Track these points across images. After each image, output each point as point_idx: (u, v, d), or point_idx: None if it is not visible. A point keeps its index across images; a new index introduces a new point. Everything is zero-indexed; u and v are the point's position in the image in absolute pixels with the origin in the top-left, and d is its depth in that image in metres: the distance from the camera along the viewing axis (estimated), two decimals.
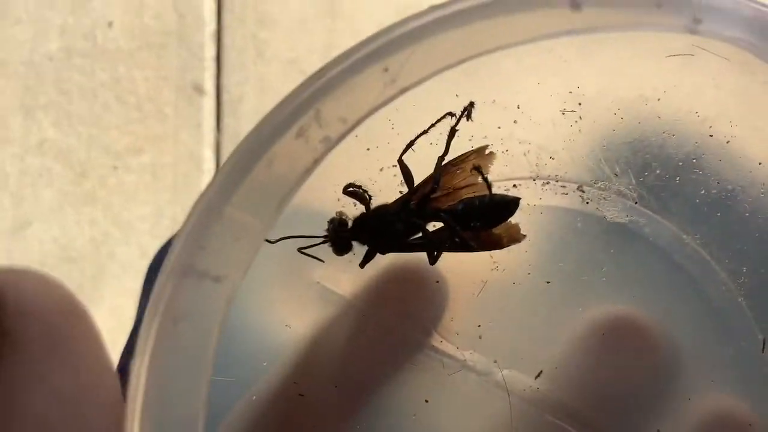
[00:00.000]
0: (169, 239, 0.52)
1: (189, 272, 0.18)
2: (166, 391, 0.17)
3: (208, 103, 1.03)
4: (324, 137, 0.19)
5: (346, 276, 0.27)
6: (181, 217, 0.97)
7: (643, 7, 0.20)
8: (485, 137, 0.27)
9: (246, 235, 0.19)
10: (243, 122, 1.03)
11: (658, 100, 0.25)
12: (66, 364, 0.15)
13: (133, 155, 0.99)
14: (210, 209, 0.18)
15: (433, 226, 0.26)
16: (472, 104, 0.24)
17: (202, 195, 0.18)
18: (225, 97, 1.03)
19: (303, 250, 0.25)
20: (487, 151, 0.27)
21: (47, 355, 0.14)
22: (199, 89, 1.01)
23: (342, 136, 0.20)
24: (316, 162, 0.19)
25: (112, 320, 0.74)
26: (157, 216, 1.00)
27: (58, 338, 0.15)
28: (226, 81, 1.03)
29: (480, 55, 0.21)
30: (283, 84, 1.00)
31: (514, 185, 0.27)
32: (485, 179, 0.24)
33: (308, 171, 0.20)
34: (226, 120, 1.02)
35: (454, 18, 0.21)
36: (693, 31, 0.20)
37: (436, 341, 0.26)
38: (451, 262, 0.26)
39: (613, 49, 0.24)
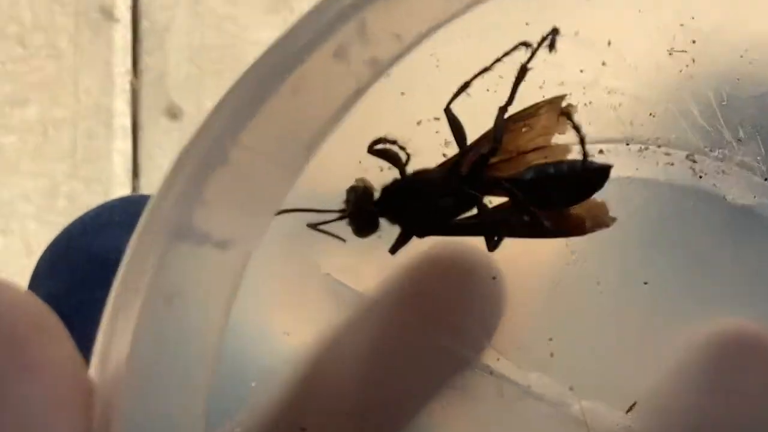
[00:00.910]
0: (65, 229, 0.51)
1: (184, 234, 0.17)
2: (149, 405, 0.16)
3: (121, 32, 0.98)
4: (371, 58, 0.19)
5: (369, 267, 0.27)
6: (84, 197, 0.93)
7: None
8: (562, 84, 0.27)
9: (262, 187, 0.18)
10: (169, 61, 0.97)
11: None
12: (34, 381, 0.15)
13: (15, 108, 0.95)
14: (213, 148, 0.17)
15: (489, 201, 0.26)
16: (556, 31, 0.23)
17: (201, 128, 0.18)
18: (145, 24, 0.97)
19: (315, 226, 0.24)
20: (564, 103, 0.27)
21: (11, 371, 0.14)
22: (107, 13, 0.96)
23: (395, 59, 0.19)
24: (359, 92, 0.19)
25: None
26: (48, 194, 0.94)
27: (25, 353, 0.15)
28: (146, 0, 0.98)
29: None
30: (233, 4, 0.94)
31: (600, 151, 0.27)
32: (579, 133, 0.23)
33: (348, 104, 0.19)
34: (147, 58, 0.97)
35: None
36: None
37: (491, 359, 0.26)
38: (512, 251, 0.26)
39: None
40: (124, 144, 0.91)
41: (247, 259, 0.18)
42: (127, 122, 0.93)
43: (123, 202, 0.54)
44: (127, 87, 0.93)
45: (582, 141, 0.24)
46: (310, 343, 0.26)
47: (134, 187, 0.93)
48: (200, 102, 0.93)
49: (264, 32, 0.93)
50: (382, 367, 0.26)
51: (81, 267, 0.46)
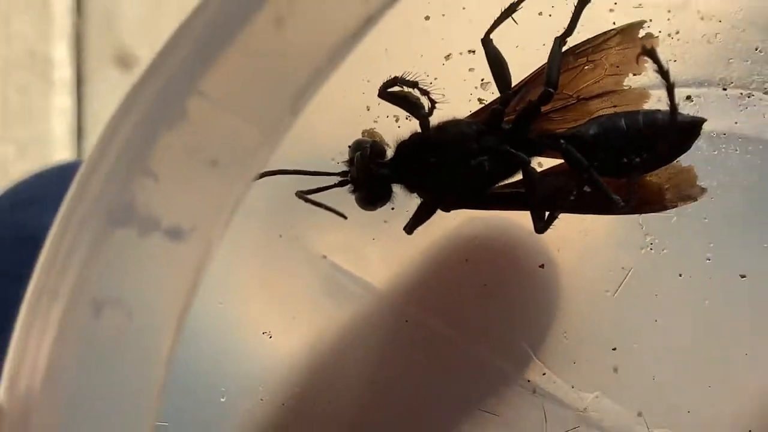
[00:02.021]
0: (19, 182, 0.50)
1: (123, 219, 0.15)
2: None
3: None
4: None
5: (376, 249, 0.26)
6: (17, 163, 0.93)
7: None
8: (639, 6, 0.26)
9: (233, 154, 0.17)
10: None
11: None
12: None
13: None
14: (165, 99, 0.15)
15: (539, 165, 0.24)
16: None
17: (148, 72, 0.16)
18: None
19: (306, 196, 0.22)
20: (641, 33, 0.25)
21: None
22: None
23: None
24: (370, 21, 0.17)
25: None
26: None
27: None
28: None
29: None
30: None
31: (689, 96, 0.26)
32: (663, 73, 0.21)
33: (352, 39, 0.17)
34: None
35: None
36: None
37: (535, 374, 0.24)
38: (567, 231, 0.24)
39: None
40: (65, 100, 0.90)
41: (210, 251, 0.16)
42: (69, 73, 0.91)
43: (61, 169, 0.53)
44: (70, 31, 0.91)
45: (669, 85, 0.22)
46: (298, 349, 0.25)
47: (78, 152, 0.92)
48: (156, 47, 0.93)
49: None
50: (392, 379, 0.24)
51: (10, 248, 0.46)
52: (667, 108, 0.23)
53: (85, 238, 0.16)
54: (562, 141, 0.23)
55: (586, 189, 0.23)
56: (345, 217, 0.22)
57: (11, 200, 0.48)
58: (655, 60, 0.21)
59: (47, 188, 0.48)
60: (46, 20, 0.93)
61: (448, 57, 0.25)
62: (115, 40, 0.89)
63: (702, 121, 0.23)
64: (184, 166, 0.16)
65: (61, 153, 0.87)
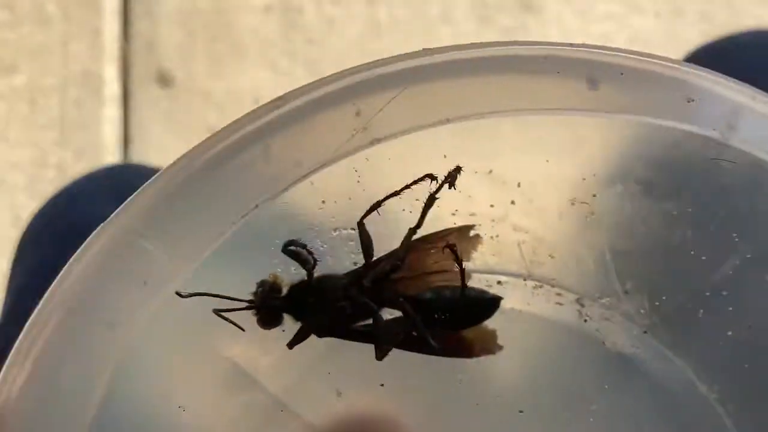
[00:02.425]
0: (51, 198, 0.55)
1: (78, 311, 0.23)
2: None
3: None
4: (271, 177, 0.26)
5: (269, 358, 0.33)
6: (74, 167, 0.96)
7: (671, 98, 0.27)
8: (473, 215, 0.34)
9: (157, 278, 0.25)
10: (160, 27, 1.03)
11: (689, 210, 0.31)
12: None
13: (2, 75, 1.00)
14: (119, 237, 0.24)
15: (389, 314, 0.32)
16: (458, 169, 0.30)
17: (113, 218, 0.24)
18: None
19: (220, 313, 0.30)
20: (471, 233, 0.33)
21: None
22: None
23: (293, 183, 0.26)
24: (257, 206, 0.26)
25: None
26: (36, 163, 1.00)
27: None
28: None
29: (473, 117, 0.28)
30: None
31: (499, 282, 0.33)
32: (459, 264, 0.30)
33: (246, 214, 0.26)
34: (137, 23, 1.03)
35: (449, 67, 0.27)
36: (727, 138, 0.27)
37: None
38: (406, 362, 0.32)
39: (642, 136, 0.31)
40: (113, 112, 0.97)
41: (132, 341, 0.25)
42: (117, 90, 0.98)
43: (108, 171, 0.58)
44: (117, 53, 0.98)
45: (462, 272, 0.30)
46: (205, 423, 0.32)
47: (125, 156, 0.98)
48: (192, 68, 0.97)
49: None
50: None
51: (65, 236, 0.51)
52: (476, 287, 0.32)
53: (53, 320, 0.24)
54: (401, 299, 0.31)
55: (415, 335, 0.31)
56: (243, 330, 0.31)
57: (65, 197, 0.53)
58: (454, 253, 0.30)
59: (95, 187, 0.53)
60: (98, 45, 1.00)
61: (336, 230, 0.32)
62: (156, 61, 0.96)
63: (500, 298, 0.32)
64: (125, 281, 0.25)
65: (110, 158, 0.91)
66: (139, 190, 0.24)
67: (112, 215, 0.23)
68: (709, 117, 0.26)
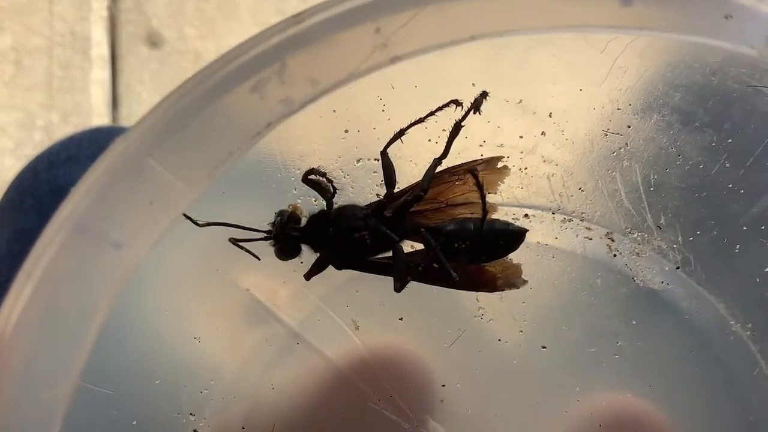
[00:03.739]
0: (32, 162, 0.52)
1: (84, 229, 0.22)
2: (32, 361, 0.21)
3: None
4: (285, 98, 0.24)
5: (286, 290, 0.31)
6: (60, 130, 0.92)
7: (709, 14, 0.25)
8: (501, 146, 0.32)
9: (165, 199, 0.23)
10: None
11: (729, 141, 0.29)
12: None
13: None
14: (127, 156, 0.22)
15: (411, 246, 0.30)
16: (485, 94, 0.28)
17: (121, 139, 0.22)
18: None
19: (237, 242, 0.28)
20: (499, 164, 0.31)
21: None
22: None
23: (308, 101, 0.24)
24: (270, 126, 0.23)
25: None
26: (23, 126, 0.96)
27: None
28: None
29: (500, 34, 0.25)
30: None
31: (526, 215, 0.31)
32: (481, 192, 0.28)
33: (258, 135, 0.24)
34: None
35: None
36: (765, 57, 0.24)
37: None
38: (421, 297, 0.30)
39: (680, 64, 0.28)
40: (101, 73, 0.94)
41: (139, 262, 0.23)
42: (105, 51, 0.95)
43: (92, 133, 0.54)
44: (105, 13, 0.94)
45: (483, 200, 0.28)
46: (218, 354, 0.30)
47: (114, 118, 0.95)
48: (181, 28, 0.94)
49: None
50: (294, 390, 0.30)
51: (46, 200, 0.48)
52: (502, 219, 0.30)
53: (60, 236, 0.23)
54: (422, 230, 0.29)
55: (436, 267, 0.29)
56: (259, 259, 0.29)
57: (47, 160, 0.50)
58: (476, 179, 0.27)
59: (78, 149, 0.50)
60: (85, 4, 0.93)
61: (359, 161, 0.30)
62: (144, 22, 0.92)
63: (525, 230, 0.29)
64: (131, 201, 0.23)
65: (99, 119, 0.87)
66: (150, 109, 0.22)
67: (122, 135, 0.21)
68: (747, 34, 0.24)
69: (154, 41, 0.91)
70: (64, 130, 0.88)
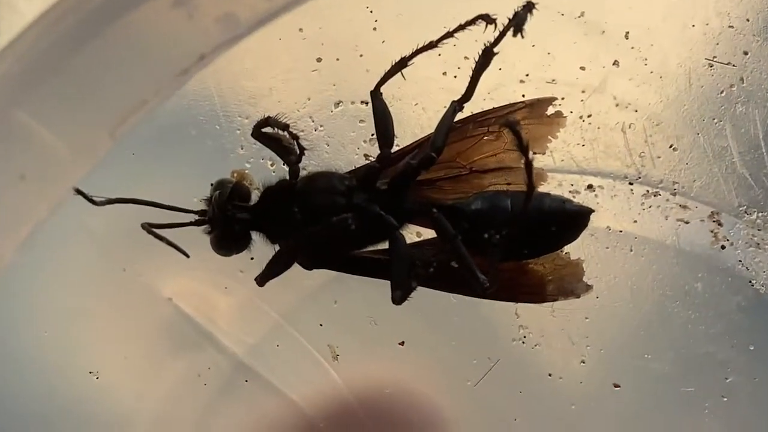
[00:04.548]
0: None
1: None
2: None
3: None
4: (226, 14, 0.23)
5: (228, 301, 0.30)
6: None
7: None
8: (553, 82, 0.32)
9: (43, 169, 0.23)
10: None
11: None
12: None
13: None
14: None
15: (417, 235, 0.30)
16: (530, 6, 0.27)
17: None
18: None
19: (154, 229, 0.28)
20: (550, 110, 0.31)
21: None
22: None
23: (261, 19, 0.23)
24: (204, 59, 0.23)
25: None
26: None
27: None
28: None
29: None
30: None
31: (590, 186, 0.30)
32: (524, 154, 0.27)
33: (186, 73, 0.23)
34: None
35: None
36: None
37: None
38: (433, 311, 0.29)
39: None
40: None
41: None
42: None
43: None
44: None
45: (527, 165, 0.27)
46: (131, 392, 0.30)
47: None
48: None
49: None
50: None
51: None
52: (556, 194, 0.29)
53: None
54: (434, 209, 0.28)
55: (454, 264, 0.29)
56: (188, 256, 0.28)
57: None
58: (518, 139, 0.27)
59: None
60: None
61: (338, 105, 0.30)
62: None
63: (590, 211, 0.29)
64: None
65: None
66: (19, 33, 0.22)
67: None
68: None
69: None
70: None
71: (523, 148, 0.28)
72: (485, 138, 0.32)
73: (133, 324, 0.30)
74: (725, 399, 0.30)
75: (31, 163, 0.22)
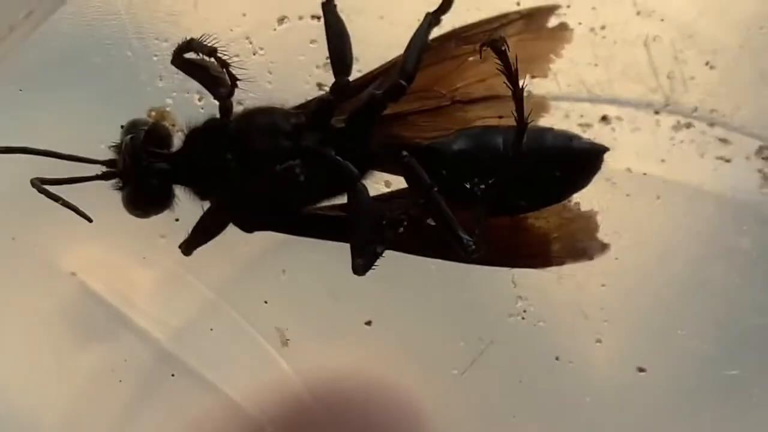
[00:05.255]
0: None
1: None
2: None
3: None
4: None
5: (147, 274, 0.30)
6: None
7: None
8: None
9: None
10: None
11: None
12: None
13: None
14: None
15: (384, 184, 0.29)
16: None
17: None
18: None
19: (44, 187, 0.27)
20: (551, 21, 0.31)
21: None
22: None
23: None
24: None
25: None
26: None
27: None
28: None
29: None
30: None
31: (605, 117, 0.30)
32: (513, 79, 0.27)
33: None
34: None
35: None
36: None
37: None
38: (406, 280, 0.29)
39: None
40: None
41: None
42: None
43: None
44: None
45: (516, 91, 0.27)
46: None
47: None
48: None
49: None
50: None
51: None
52: (565, 127, 0.28)
53: None
54: (405, 152, 0.28)
55: (431, 222, 0.28)
56: (90, 220, 0.27)
57: None
58: (502, 56, 0.26)
59: None
60: None
61: (282, 21, 0.29)
62: None
63: (604, 150, 0.29)
64: None
65: None
66: None
67: None
68: None
69: None
70: None
71: (510, 74, 0.27)
72: (470, 59, 0.32)
73: (29, 307, 0.29)
74: None
75: None
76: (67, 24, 0.26)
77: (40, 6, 0.24)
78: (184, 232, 0.30)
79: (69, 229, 0.30)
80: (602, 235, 0.30)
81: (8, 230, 0.29)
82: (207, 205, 0.31)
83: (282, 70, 0.30)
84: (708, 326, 0.30)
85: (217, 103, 0.30)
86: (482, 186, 0.29)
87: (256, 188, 0.30)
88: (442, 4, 0.29)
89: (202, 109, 0.30)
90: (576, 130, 0.30)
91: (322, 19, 0.31)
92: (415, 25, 0.30)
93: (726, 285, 0.30)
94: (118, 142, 0.30)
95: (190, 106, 0.30)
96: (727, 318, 0.30)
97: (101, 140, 0.29)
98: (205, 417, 0.30)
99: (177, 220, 0.30)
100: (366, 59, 0.30)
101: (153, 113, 0.31)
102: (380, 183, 0.31)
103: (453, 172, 0.29)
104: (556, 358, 0.30)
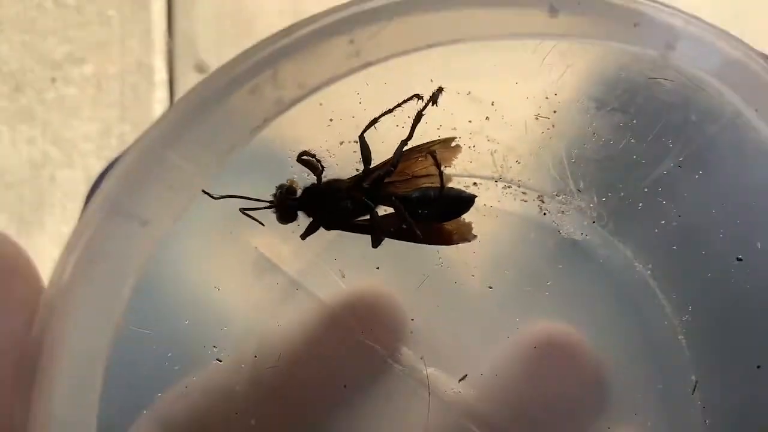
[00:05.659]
0: (111, 161, 0.53)
1: (116, 211, 0.20)
2: (74, 325, 0.20)
3: (158, 4, 1.07)
4: (278, 98, 0.22)
5: (287, 247, 0.30)
6: (130, 136, 1.05)
7: (620, 23, 0.23)
8: (454, 129, 0.34)
9: (183, 183, 0.22)
10: (197, 26, 1.21)
11: (634, 121, 0.27)
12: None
13: (74, 65, 1.02)
14: (149, 150, 0.20)
15: (384, 210, 0.29)
16: (440, 90, 0.28)
17: (144, 134, 0.21)
18: None
19: (245, 211, 0.27)
20: (453, 143, 0.34)
21: None
22: None
23: (296, 100, 0.23)
24: (267, 121, 0.23)
25: (55, 249, 0.76)
26: (103, 134, 1.11)
27: None
28: None
29: (452, 42, 0.23)
30: None
31: (475, 183, 0.31)
32: (439, 169, 0.27)
33: (258, 128, 0.23)
34: (179, 24, 1.10)
35: (430, 2, 0.23)
36: (665, 57, 0.23)
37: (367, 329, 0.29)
38: (394, 251, 0.29)
39: (595, 62, 0.26)
40: (162, 94, 0.99)
41: (164, 234, 0.21)
42: (165, 77, 1.02)
43: None
44: (164, 47, 0.99)
45: (441, 174, 0.27)
46: (234, 299, 0.29)
47: None
48: (222, 59, 1.00)
49: (272, 4, 1.00)
50: (287, 323, 0.29)
51: None
52: (455, 188, 0.28)
53: (95, 218, 0.21)
54: (394, 198, 0.29)
55: (404, 227, 0.28)
56: (263, 225, 0.27)
57: None
58: (435, 159, 0.26)
59: None
60: (148, 40, 1.09)
61: (342, 143, 0.31)
62: (194, 53, 1.01)
63: (475, 196, 0.29)
64: (154, 186, 0.21)
65: None
66: (164, 112, 0.20)
67: (145, 133, 0.20)
68: (650, 39, 0.22)
69: (201, 68, 0.95)
70: (134, 136, 0.92)
71: (438, 164, 0.27)
72: (419, 159, 0.38)
73: (237, 262, 0.29)
74: (547, 294, 0.28)
75: (175, 179, 0.21)
76: (249, 145, 0.25)
77: (241, 140, 0.24)
78: (302, 229, 0.30)
79: (254, 229, 0.30)
80: (474, 231, 0.30)
81: (229, 229, 0.30)
82: (310, 219, 0.31)
83: (341, 164, 0.32)
84: (517, 271, 0.30)
85: (315, 177, 0.30)
86: (425, 211, 0.28)
87: (332, 212, 0.30)
88: (408, 136, 0.29)
89: (309, 179, 0.31)
90: (463, 188, 0.31)
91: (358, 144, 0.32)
92: (394, 145, 0.31)
93: (522, 253, 0.30)
94: (274, 193, 0.30)
95: (305, 179, 0.30)
96: (520, 267, 0.30)
97: (267, 193, 0.29)
98: (308, 307, 0.29)
99: (298, 225, 0.33)
100: (376, 159, 0.32)
101: (288, 181, 0.31)
102: (382, 210, 0.31)
103: (413, 207, 0.29)
104: (455, 282, 0.30)
